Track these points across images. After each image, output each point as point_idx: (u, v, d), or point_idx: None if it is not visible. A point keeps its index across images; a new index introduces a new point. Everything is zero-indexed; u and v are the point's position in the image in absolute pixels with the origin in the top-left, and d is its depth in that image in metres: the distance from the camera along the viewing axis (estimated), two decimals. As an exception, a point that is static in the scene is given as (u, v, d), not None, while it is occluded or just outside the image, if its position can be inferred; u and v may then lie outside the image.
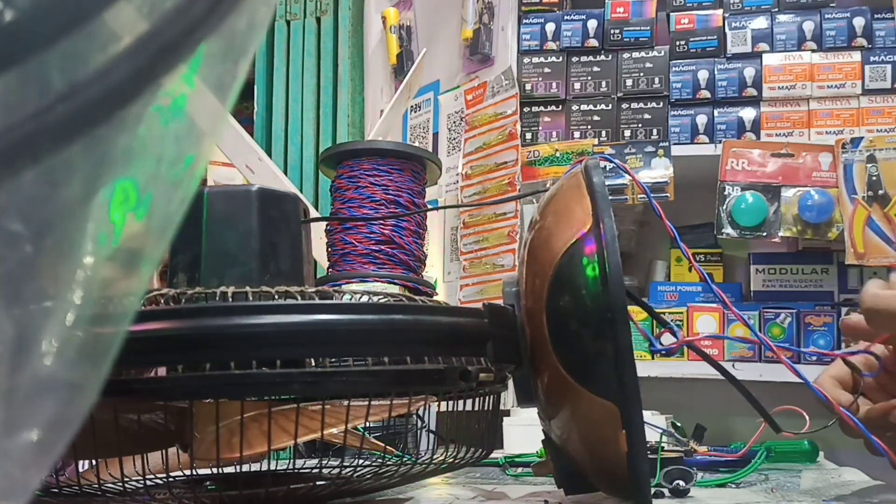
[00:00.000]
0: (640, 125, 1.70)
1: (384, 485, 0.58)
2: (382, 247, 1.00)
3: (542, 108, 1.75)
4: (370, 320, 0.49)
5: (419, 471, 0.57)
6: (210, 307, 0.50)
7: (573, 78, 1.75)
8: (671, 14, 1.74)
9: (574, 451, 0.53)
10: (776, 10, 1.69)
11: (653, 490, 0.59)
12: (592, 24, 1.75)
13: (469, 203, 1.76)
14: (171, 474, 0.53)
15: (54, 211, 0.23)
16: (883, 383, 0.64)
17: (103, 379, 0.24)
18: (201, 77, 0.25)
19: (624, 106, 1.71)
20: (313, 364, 0.49)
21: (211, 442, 0.52)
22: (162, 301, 0.51)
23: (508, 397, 0.77)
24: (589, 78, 1.74)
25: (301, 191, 2.01)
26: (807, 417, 0.63)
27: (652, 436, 0.64)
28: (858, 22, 1.63)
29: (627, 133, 1.70)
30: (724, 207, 1.55)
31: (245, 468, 0.64)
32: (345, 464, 0.55)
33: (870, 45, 1.62)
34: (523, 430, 1.04)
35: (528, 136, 1.74)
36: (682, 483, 0.62)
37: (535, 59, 1.76)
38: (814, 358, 1.40)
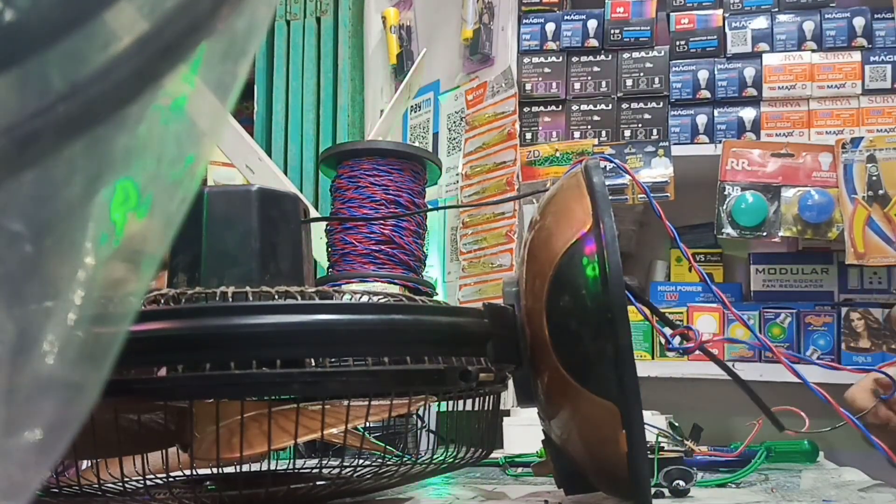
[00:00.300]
0: (640, 125, 1.70)
1: (384, 485, 0.58)
2: (382, 247, 1.00)
3: (541, 108, 1.75)
4: (370, 320, 0.49)
5: (419, 471, 0.57)
6: (210, 307, 0.50)
7: (573, 78, 1.75)
8: (671, 14, 1.74)
9: (574, 451, 0.53)
10: (776, 10, 1.69)
11: (653, 490, 0.59)
12: (592, 24, 1.75)
13: (469, 203, 1.76)
14: (171, 474, 0.53)
15: (55, 211, 0.23)
16: None
17: (104, 379, 0.24)
18: (202, 77, 0.25)
19: (624, 106, 1.71)
20: (313, 364, 0.49)
21: (211, 442, 0.52)
22: (162, 301, 0.51)
23: (508, 397, 0.77)
24: (589, 78, 1.74)
25: (301, 191, 2.01)
26: (805, 417, 0.63)
27: (649, 437, 0.64)
28: (858, 22, 1.63)
29: (627, 133, 1.70)
30: (724, 207, 1.55)
31: (245, 468, 0.64)
32: (345, 464, 0.55)
33: (870, 45, 1.62)
34: (523, 430, 1.04)
35: (528, 136, 1.74)
36: (681, 483, 0.62)
37: (535, 59, 1.76)
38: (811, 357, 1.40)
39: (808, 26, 1.65)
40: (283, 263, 0.64)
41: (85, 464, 0.59)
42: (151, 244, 0.25)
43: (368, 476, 0.55)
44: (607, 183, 0.74)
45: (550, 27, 1.77)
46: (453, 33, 1.89)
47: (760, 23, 1.68)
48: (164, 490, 0.52)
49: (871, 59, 1.61)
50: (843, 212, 1.49)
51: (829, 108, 1.62)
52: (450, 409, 0.56)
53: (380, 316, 0.49)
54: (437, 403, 0.55)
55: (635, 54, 1.72)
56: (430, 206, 1.46)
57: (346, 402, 0.51)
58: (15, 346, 0.23)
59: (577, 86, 1.74)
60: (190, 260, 0.61)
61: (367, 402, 0.52)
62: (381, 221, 0.99)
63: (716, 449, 0.83)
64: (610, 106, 1.72)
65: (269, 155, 1.87)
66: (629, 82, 1.71)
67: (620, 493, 0.54)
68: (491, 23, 1.79)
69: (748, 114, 1.65)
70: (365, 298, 0.56)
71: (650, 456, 0.66)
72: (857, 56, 1.61)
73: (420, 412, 0.76)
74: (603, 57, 1.74)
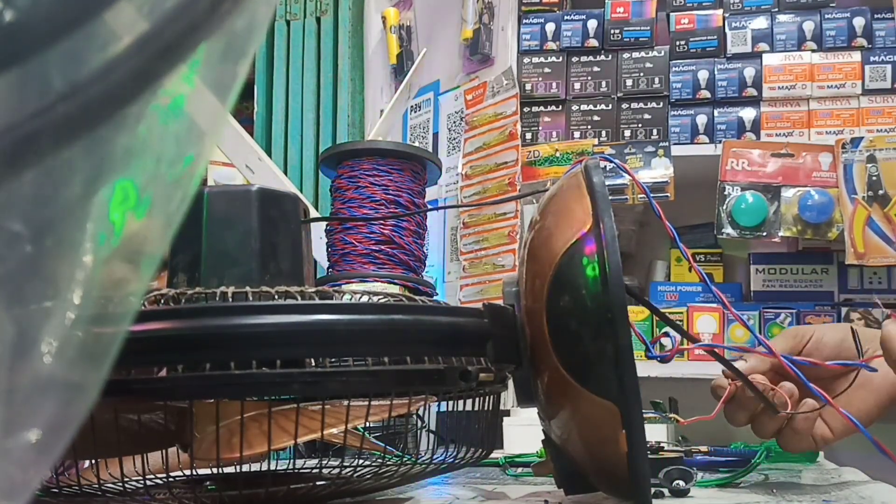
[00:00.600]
0: (640, 125, 1.70)
1: (384, 485, 0.58)
2: (382, 247, 1.00)
3: (542, 108, 1.75)
4: (370, 320, 0.49)
5: (419, 471, 0.57)
6: (210, 307, 0.50)
7: (573, 78, 1.75)
8: (671, 14, 1.74)
9: (574, 451, 0.53)
10: (776, 10, 1.69)
11: (653, 490, 0.59)
12: (592, 24, 1.75)
13: (469, 203, 1.76)
14: (171, 474, 0.53)
15: (54, 211, 0.23)
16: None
17: (103, 379, 0.24)
18: (201, 77, 0.25)
19: (624, 106, 1.71)
20: (313, 364, 0.49)
21: (211, 442, 0.52)
22: (162, 301, 0.51)
23: (508, 397, 0.77)
24: (589, 78, 1.74)
25: (301, 191, 2.01)
26: (790, 407, 0.63)
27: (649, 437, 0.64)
28: (858, 22, 1.63)
29: (627, 133, 1.70)
30: (724, 207, 1.55)
31: (245, 468, 0.64)
32: (345, 464, 0.55)
33: (870, 45, 1.62)
34: (523, 430, 1.04)
35: (528, 136, 1.74)
36: (682, 483, 0.62)
37: (535, 59, 1.76)
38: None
39: (808, 26, 1.65)
40: (283, 263, 0.64)
41: (85, 464, 0.59)
42: (151, 244, 0.25)
43: (368, 476, 0.55)
44: (607, 183, 0.74)
45: (550, 27, 1.77)
46: (453, 33, 1.89)
47: (760, 23, 1.68)
48: (164, 490, 0.52)
49: (871, 59, 1.61)
50: (843, 212, 1.49)
51: (829, 108, 1.62)
52: (450, 409, 0.56)
53: (380, 316, 0.49)
54: (436, 403, 0.55)
55: (635, 54, 1.72)
56: (430, 206, 1.46)
57: (346, 402, 0.51)
58: (14, 345, 0.23)
59: (577, 86, 1.74)
60: (190, 260, 0.61)
61: (367, 402, 0.52)
62: (381, 221, 0.99)
63: (716, 449, 0.83)
64: (610, 106, 1.72)
65: (269, 155, 1.87)
66: (629, 82, 1.71)
67: (620, 493, 0.54)
68: (491, 23, 1.79)
69: (748, 114, 1.65)
70: (365, 298, 0.56)
71: (650, 456, 0.66)
72: (857, 56, 1.61)
73: (420, 412, 0.76)
74: (603, 57, 1.74)
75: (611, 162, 0.64)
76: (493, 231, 1.69)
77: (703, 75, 1.68)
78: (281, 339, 0.47)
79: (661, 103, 1.70)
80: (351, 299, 0.55)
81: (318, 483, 0.57)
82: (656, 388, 1.53)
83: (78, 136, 0.22)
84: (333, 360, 0.49)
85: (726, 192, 1.55)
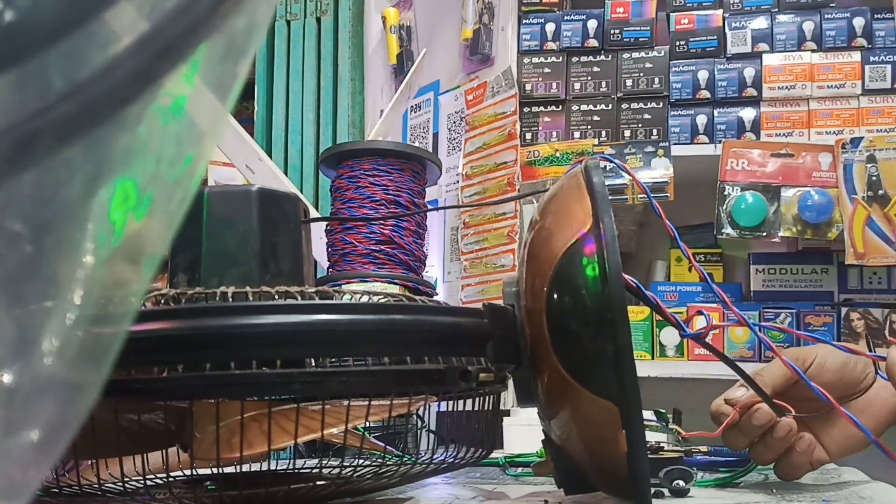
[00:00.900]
0: (640, 125, 1.70)
1: (384, 485, 0.58)
2: (382, 247, 1.00)
3: (541, 108, 1.75)
4: (370, 320, 0.49)
5: (419, 471, 0.57)
6: (210, 307, 0.50)
7: (573, 78, 1.75)
8: (671, 14, 1.74)
9: (574, 451, 0.53)
10: (776, 10, 1.69)
11: (653, 490, 0.59)
12: (592, 25, 1.75)
13: (469, 203, 1.76)
14: (171, 474, 0.53)
15: (54, 211, 0.23)
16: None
17: (103, 379, 0.24)
18: (202, 77, 0.25)
19: (624, 106, 1.71)
20: (313, 364, 0.49)
21: (211, 442, 0.52)
22: (162, 301, 0.51)
23: (508, 397, 0.77)
24: (589, 78, 1.74)
25: (301, 191, 2.01)
26: (793, 412, 0.63)
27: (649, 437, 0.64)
28: (858, 22, 1.63)
29: (627, 133, 1.70)
30: (724, 207, 1.55)
31: (245, 468, 0.64)
32: (345, 464, 0.55)
33: (870, 45, 1.62)
34: (523, 430, 1.04)
35: (528, 136, 1.74)
36: (682, 483, 0.62)
37: (535, 60, 1.76)
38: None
39: (808, 26, 1.65)
40: (283, 263, 0.64)
41: (85, 463, 0.59)
42: (151, 244, 0.25)
43: (368, 476, 0.55)
44: (607, 183, 0.74)
45: (550, 27, 1.77)
46: (453, 33, 1.89)
47: (760, 23, 1.68)
48: (164, 490, 0.52)
49: (871, 59, 1.61)
50: (842, 212, 1.49)
51: (828, 108, 1.62)
52: (450, 409, 0.56)
53: (380, 316, 0.49)
54: (436, 403, 0.55)
55: (635, 54, 1.72)
56: (430, 206, 1.46)
57: (346, 402, 0.51)
58: (14, 345, 0.23)
59: (577, 86, 1.74)
60: (190, 260, 0.61)
61: (367, 402, 0.52)
62: (381, 221, 0.99)
63: (716, 449, 0.83)
64: (610, 106, 1.72)
65: (269, 155, 1.87)
66: (629, 82, 1.71)
67: (620, 493, 0.54)
68: (491, 23, 1.79)
69: (748, 114, 1.65)
70: (365, 298, 0.56)
71: (650, 456, 0.66)
72: (856, 56, 1.61)
73: (420, 412, 0.76)
74: (603, 57, 1.74)
75: (611, 162, 0.64)
76: (493, 231, 1.69)
77: (702, 75, 1.68)
78: (281, 339, 0.47)
79: (661, 103, 1.70)
80: (351, 299, 0.55)
81: (318, 483, 0.57)
82: (656, 388, 1.54)
83: (78, 136, 0.22)
84: (333, 360, 0.49)
85: (726, 193, 1.55)
